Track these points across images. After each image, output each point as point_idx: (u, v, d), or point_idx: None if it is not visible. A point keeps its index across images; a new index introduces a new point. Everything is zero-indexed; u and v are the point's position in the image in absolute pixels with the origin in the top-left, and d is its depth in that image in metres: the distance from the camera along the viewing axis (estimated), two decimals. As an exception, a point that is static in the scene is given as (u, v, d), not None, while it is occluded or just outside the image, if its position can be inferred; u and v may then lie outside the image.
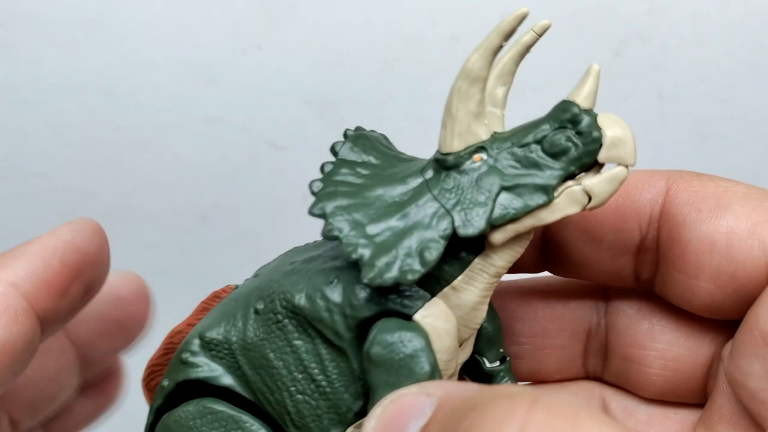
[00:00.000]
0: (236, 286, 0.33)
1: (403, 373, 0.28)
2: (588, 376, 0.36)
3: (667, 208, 0.32)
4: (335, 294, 0.29)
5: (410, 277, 0.27)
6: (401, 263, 0.28)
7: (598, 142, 0.27)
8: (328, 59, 0.53)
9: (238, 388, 0.31)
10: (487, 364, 0.34)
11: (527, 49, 0.29)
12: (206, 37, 0.53)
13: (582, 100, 0.28)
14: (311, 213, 0.29)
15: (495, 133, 0.29)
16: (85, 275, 0.33)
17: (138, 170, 0.56)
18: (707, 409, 0.33)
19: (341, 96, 0.54)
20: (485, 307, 0.30)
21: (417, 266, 0.27)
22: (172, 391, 0.31)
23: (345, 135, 0.31)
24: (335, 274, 0.30)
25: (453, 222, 0.28)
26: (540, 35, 0.29)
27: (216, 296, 0.33)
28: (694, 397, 0.34)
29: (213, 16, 0.53)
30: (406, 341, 0.28)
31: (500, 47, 0.28)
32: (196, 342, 0.31)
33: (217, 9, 0.53)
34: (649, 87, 0.56)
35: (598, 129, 0.27)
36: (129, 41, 0.53)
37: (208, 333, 0.31)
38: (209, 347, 0.31)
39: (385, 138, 0.33)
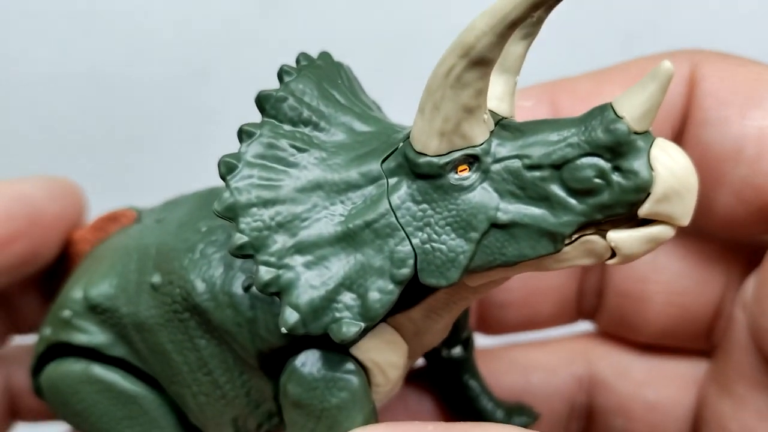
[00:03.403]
0: (137, 214, 0.28)
1: (325, 423, 0.22)
2: (580, 318, 0.32)
3: (689, 100, 0.26)
4: (248, 305, 0.23)
5: (346, 333, 0.20)
6: (335, 311, 0.21)
7: (644, 191, 0.19)
8: (326, 48, 0.52)
9: (133, 360, 0.26)
10: (446, 352, 0.29)
11: None
12: (200, 29, 0.51)
13: (636, 116, 0.19)
14: (216, 212, 0.21)
15: (497, 126, 0.21)
16: (32, 235, 0.28)
17: (133, 166, 0.54)
18: (720, 363, 0.28)
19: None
20: (449, 328, 0.25)
21: (357, 319, 0.21)
22: (57, 343, 0.27)
23: (297, 61, 0.24)
24: (250, 275, 0.23)
25: (415, 263, 0.21)
26: None
27: (112, 218, 0.29)
28: (700, 340, 0.29)
29: (207, 7, 0.51)
30: (335, 389, 0.22)
31: (525, 20, 0.19)
32: (80, 298, 0.26)
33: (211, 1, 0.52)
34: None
35: (650, 170, 0.19)
36: (121, 33, 0.51)
37: (94, 292, 0.26)
38: (96, 310, 0.26)
39: (349, 72, 0.25)
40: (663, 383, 0.30)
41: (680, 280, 0.29)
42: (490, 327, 0.32)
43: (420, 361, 0.30)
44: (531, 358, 0.32)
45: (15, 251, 0.28)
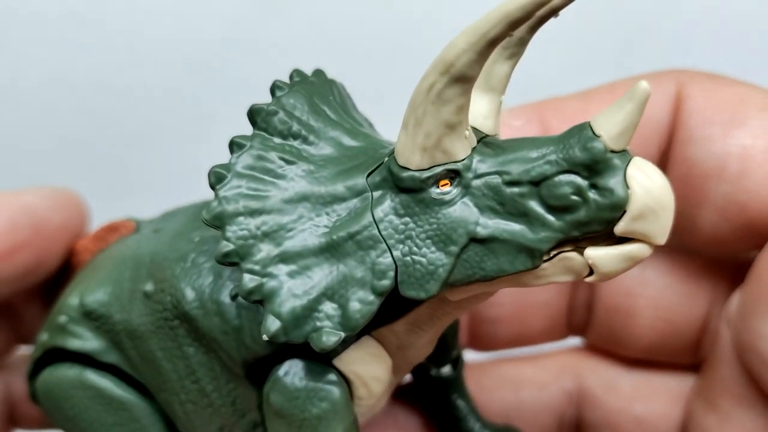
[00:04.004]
0: (136, 224, 0.29)
1: None
2: (570, 334, 0.32)
3: (675, 119, 0.26)
4: (234, 314, 0.24)
5: (326, 342, 0.21)
6: (316, 321, 0.21)
7: (620, 209, 0.19)
8: (323, 53, 0.52)
9: (125, 367, 0.27)
10: (434, 371, 0.29)
11: (553, 12, 0.19)
12: (201, 31, 0.51)
13: (613, 135, 0.19)
14: (204, 220, 0.22)
15: (479, 143, 0.21)
16: (36, 245, 0.29)
17: (130, 167, 0.53)
18: (706, 379, 0.28)
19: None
20: (434, 343, 0.25)
21: (337, 329, 0.21)
22: (53, 348, 0.28)
23: (291, 77, 0.24)
24: (238, 284, 0.23)
25: (396, 274, 0.21)
26: None
27: (113, 229, 0.29)
28: (686, 355, 0.29)
29: (207, 9, 0.51)
30: (315, 399, 0.22)
31: (504, 38, 0.19)
32: (76, 305, 0.27)
33: (211, 1, 0.51)
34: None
35: (626, 188, 0.19)
36: (121, 35, 0.51)
37: (90, 298, 0.27)
38: (91, 316, 0.27)
39: (342, 90, 0.25)
40: (651, 398, 0.30)
41: (667, 295, 0.29)
42: (482, 343, 0.32)
43: (408, 378, 0.31)
44: (521, 373, 0.32)
45: (20, 261, 0.29)
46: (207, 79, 0.51)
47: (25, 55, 0.50)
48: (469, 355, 0.32)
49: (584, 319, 0.31)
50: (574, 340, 0.33)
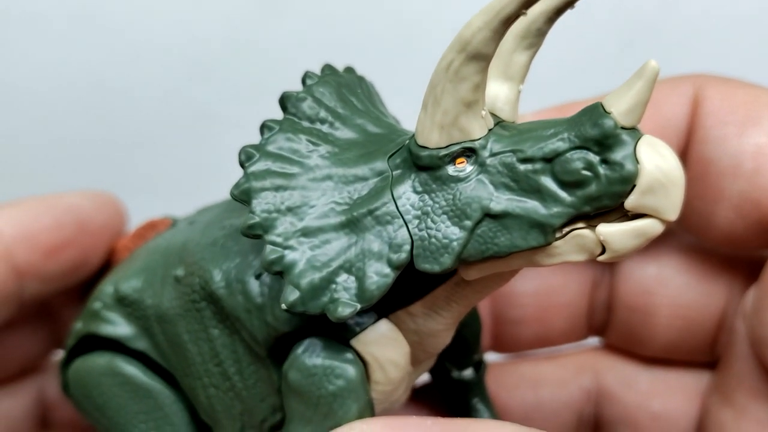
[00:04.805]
0: (173, 221, 0.30)
1: (321, 411, 0.23)
2: (591, 334, 0.33)
3: (693, 120, 0.27)
4: (258, 292, 0.24)
5: (341, 312, 0.21)
6: (333, 292, 0.22)
7: (629, 182, 0.20)
8: (325, 50, 0.52)
9: (153, 354, 0.27)
10: (456, 373, 0.29)
11: (569, 4, 0.20)
12: (201, 31, 0.51)
13: (622, 111, 0.20)
14: (232, 194, 0.23)
15: (497, 126, 0.22)
16: (81, 243, 0.30)
17: (131, 168, 0.54)
18: (722, 374, 0.29)
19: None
20: (452, 333, 0.25)
21: (353, 300, 0.21)
22: (86, 335, 0.28)
23: (322, 70, 0.25)
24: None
25: (412, 248, 0.21)
26: None
27: (152, 226, 0.30)
28: (703, 353, 0.30)
29: (207, 9, 0.51)
30: (332, 376, 0.23)
31: (517, 17, 0.20)
32: (110, 292, 0.28)
33: (212, 2, 0.51)
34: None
35: (635, 163, 0.20)
36: (121, 35, 0.51)
37: (124, 285, 0.27)
38: (124, 302, 0.27)
39: (371, 86, 0.26)
40: (668, 394, 0.31)
41: (685, 293, 0.30)
42: (505, 345, 0.33)
43: (427, 377, 0.31)
44: (540, 372, 0.33)
45: (65, 258, 0.30)
46: (208, 80, 0.51)
47: (26, 55, 0.51)
48: (489, 355, 0.33)
49: (604, 319, 0.32)
50: (592, 340, 0.34)
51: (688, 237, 0.30)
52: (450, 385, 0.30)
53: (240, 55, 0.51)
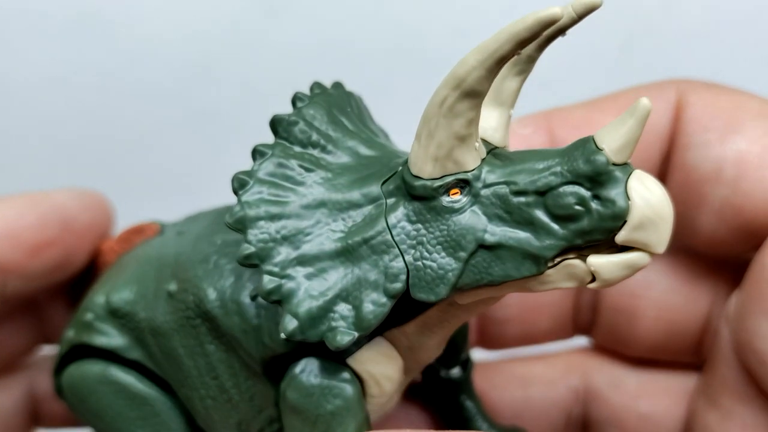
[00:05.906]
0: (161, 227, 0.30)
1: (320, 429, 0.23)
2: (576, 334, 0.33)
3: (675, 126, 0.27)
4: (254, 314, 0.25)
5: (340, 341, 0.22)
6: (331, 321, 0.22)
7: (621, 219, 0.20)
8: (329, 52, 0.52)
9: (148, 363, 0.28)
10: (444, 372, 0.30)
11: (560, 32, 0.21)
12: (203, 31, 0.51)
13: (614, 149, 0.20)
14: (227, 224, 0.23)
15: (489, 154, 0.22)
16: (64, 242, 0.30)
17: (133, 168, 0.54)
18: (707, 377, 0.29)
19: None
20: (443, 345, 0.26)
21: (351, 329, 0.22)
22: (78, 344, 0.29)
23: (311, 89, 0.25)
24: (258, 285, 0.24)
25: (408, 277, 0.22)
26: (581, 17, 0.21)
27: (138, 231, 0.30)
28: (689, 354, 0.30)
29: (210, 9, 0.51)
30: (330, 396, 0.23)
31: (512, 56, 0.20)
32: (102, 303, 0.28)
33: (213, 2, 0.51)
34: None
35: (627, 199, 0.20)
36: (120, 35, 0.51)
37: (116, 297, 0.28)
38: (117, 314, 0.28)
39: (360, 101, 0.26)
40: (655, 395, 0.31)
41: (669, 296, 0.30)
42: (491, 342, 0.33)
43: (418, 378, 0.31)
44: (529, 371, 0.33)
45: (48, 257, 0.30)
46: (208, 80, 0.51)
47: (26, 55, 0.51)
48: (480, 354, 0.33)
49: (589, 319, 0.32)
50: (581, 340, 0.34)
51: (673, 241, 0.30)
52: (438, 383, 0.31)
53: (240, 56, 0.51)
